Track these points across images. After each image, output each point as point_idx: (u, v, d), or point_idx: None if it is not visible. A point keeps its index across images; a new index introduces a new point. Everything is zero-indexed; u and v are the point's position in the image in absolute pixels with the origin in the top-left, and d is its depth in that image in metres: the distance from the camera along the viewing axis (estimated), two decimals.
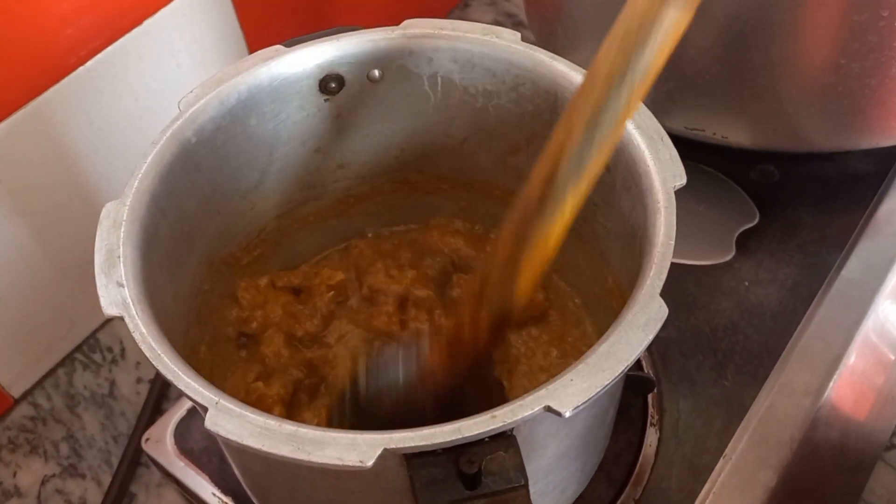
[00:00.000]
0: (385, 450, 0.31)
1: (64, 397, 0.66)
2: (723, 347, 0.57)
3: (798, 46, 0.54)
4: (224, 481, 0.54)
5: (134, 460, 0.62)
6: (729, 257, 0.62)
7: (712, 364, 0.56)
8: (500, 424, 0.32)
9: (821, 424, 0.54)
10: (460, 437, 0.32)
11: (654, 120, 0.43)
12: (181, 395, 0.61)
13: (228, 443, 0.33)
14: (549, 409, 0.32)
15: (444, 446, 0.32)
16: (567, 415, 0.32)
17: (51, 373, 0.67)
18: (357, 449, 0.32)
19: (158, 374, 0.67)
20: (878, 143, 0.60)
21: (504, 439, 0.33)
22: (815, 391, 0.54)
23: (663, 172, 0.41)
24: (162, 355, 0.36)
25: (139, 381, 0.67)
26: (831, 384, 0.55)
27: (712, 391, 0.55)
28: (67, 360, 0.68)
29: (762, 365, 0.56)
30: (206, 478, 0.54)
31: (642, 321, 0.35)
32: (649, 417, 0.54)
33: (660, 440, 0.53)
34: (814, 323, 0.57)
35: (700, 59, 0.57)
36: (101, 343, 0.69)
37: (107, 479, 0.62)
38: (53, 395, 0.66)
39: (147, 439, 0.56)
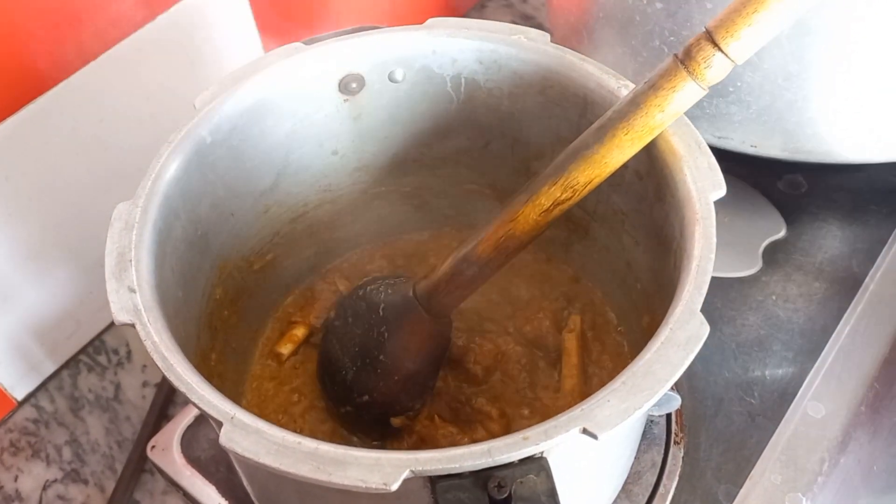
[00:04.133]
0: (411, 471, 0.30)
1: (68, 400, 0.65)
2: (750, 364, 0.55)
3: (833, 55, 0.53)
4: (232, 492, 0.52)
5: (138, 467, 0.60)
6: (756, 270, 0.60)
7: (739, 381, 0.55)
8: (533, 447, 0.30)
9: (850, 445, 0.52)
10: (490, 459, 0.30)
11: (692, 127, 0.41)
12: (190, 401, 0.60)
13: (244, 461, 0.31)
14: (585, 431, 0.30)
15: (473, 469, 0.30)
16: (603, 438, 0.30)
17: (55, 375, 0.66)
18: (381, 470, 0.30)
19: (165, 379, 0.66)
20: None
21: (534, 462, 0.31)
22: (845, 411, 0.53)
23: (701, 182, 0.39)
24: (174, 365, 0.34)
25: (145, 384, 0.65)
26: (862, 404, 0.53)
27: (739, 409, 0.54)
28: (72, 363, 0.66)
29: (791, 383, 0.54)
30: (214, 488, 0.52)
31: (682, 339, 0.33)
32: (673, 436, 0.52)
33: (684, 460, 0.51)
34: (843, 340, 0.56)
35: None
36: (106, 345, 0.67)
37: (110, 486, 0.60)
38: (57, 397, 0.65)
39: (153, 447, 0.55)
